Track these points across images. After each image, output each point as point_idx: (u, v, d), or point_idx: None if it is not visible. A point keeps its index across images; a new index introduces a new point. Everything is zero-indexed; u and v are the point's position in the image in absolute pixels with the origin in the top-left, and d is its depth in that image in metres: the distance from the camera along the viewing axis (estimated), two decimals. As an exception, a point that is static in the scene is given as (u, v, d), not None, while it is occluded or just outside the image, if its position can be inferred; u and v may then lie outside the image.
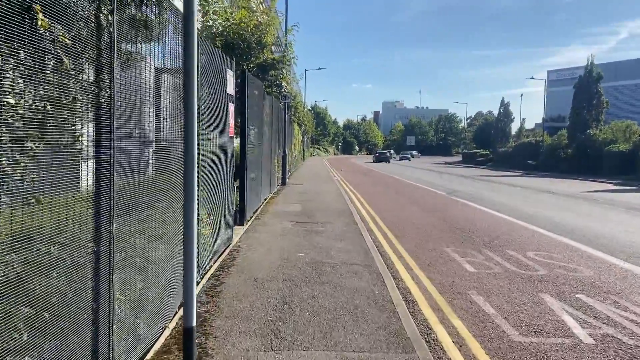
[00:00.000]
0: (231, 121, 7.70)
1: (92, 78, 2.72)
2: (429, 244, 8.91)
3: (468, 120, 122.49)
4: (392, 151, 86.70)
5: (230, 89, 7.58)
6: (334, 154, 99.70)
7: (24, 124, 2.07)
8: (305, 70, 58.62)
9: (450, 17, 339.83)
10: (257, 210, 11.36)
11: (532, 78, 64.98)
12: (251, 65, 12.40)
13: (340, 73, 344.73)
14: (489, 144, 69.98)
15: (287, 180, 19.37)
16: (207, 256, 6.19)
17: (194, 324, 3.27)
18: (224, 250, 7.28)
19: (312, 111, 78.79)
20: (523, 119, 66.37)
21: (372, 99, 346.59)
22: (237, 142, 9.45)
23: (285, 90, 13.21)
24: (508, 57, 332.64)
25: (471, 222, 11.38)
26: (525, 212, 13.58)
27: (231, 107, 7.69)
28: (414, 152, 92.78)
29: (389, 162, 59.31)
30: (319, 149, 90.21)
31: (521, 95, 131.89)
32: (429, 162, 71.94)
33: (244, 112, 9.32)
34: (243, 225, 9.43)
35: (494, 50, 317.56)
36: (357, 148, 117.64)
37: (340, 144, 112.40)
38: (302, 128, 42.51)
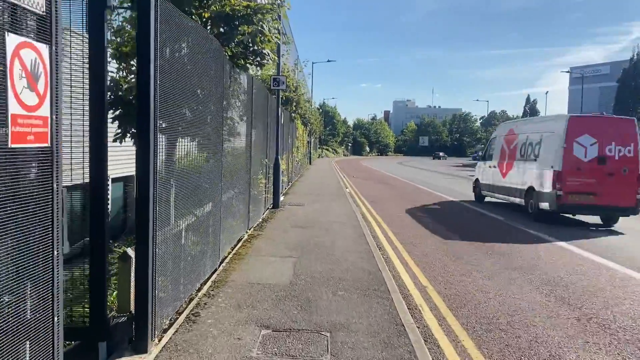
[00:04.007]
0: (15, 94, 2.29)
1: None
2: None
3: (481, 120, 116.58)
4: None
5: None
6: (344, 155, 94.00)
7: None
8: (313, 62, 52.93)
9: (460, 16, 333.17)
10: (203, 285, 5.89)
11: (568, 72, 58.92)
12: (206, 16, 7.02)
13: (350, 72, 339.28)
14: (512, 145, 64.12)
15: (281, 199, 13.89)
16: None
17: None
18: None
19: (320, 109, 73.34)
20: (552, 118, 59.96)
21: (383, 98, 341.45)
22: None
23: (268, 60, 7.74)
24: (519, 57, 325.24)
25: None
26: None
27: (28, 51, 2.29)
28: (442, 154, 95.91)
29: None
30: (327, 150, 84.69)
31: (546, 93, 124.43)
32: (446, 164, 66.22)
33: (148, 81, 3.89)
34: (145, 352, 4.03)
35: (504, 50, 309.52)
36: (367, 149, 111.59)
37: (350, 144, 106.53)
38: (307, 127, 37.05)
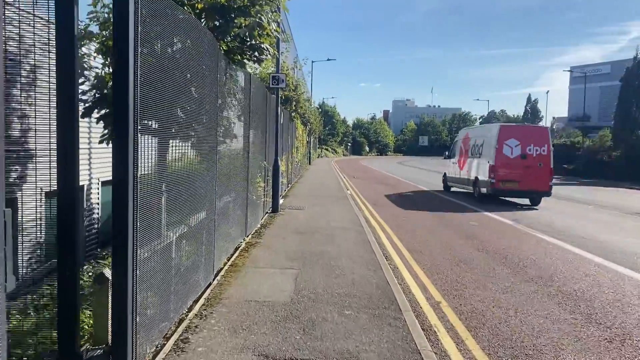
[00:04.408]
0: None
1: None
2: None
3: (481, 120, 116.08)
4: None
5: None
6: (343, 155, 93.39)
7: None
8: (312, 61, 52.38)
9: (459, 16, 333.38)
10: (195, 303, 5.31)
11: (569, 71, 58.34)
12: (200, 7, 6.45)
13: (349, 72, 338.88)
14: (512, 146, 63.59)
15: (280, 202, 13.32)
16: None
17: None
18: None
19: (320, 109, 72.77)
20: (553, 118, 59.32)
21: (382, 98, 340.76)
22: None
23: (267, 55, 7.18)
24: (519, 57, 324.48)
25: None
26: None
27: None
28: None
29: None
30: (327, 149, 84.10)
31: (547, 92, 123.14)
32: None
33: (126, 75, 3.33)
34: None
35: (504, 50, 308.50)
36: (367, 148, 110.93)
37: (349, 144, 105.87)
38: (307, 127, 36.50)
